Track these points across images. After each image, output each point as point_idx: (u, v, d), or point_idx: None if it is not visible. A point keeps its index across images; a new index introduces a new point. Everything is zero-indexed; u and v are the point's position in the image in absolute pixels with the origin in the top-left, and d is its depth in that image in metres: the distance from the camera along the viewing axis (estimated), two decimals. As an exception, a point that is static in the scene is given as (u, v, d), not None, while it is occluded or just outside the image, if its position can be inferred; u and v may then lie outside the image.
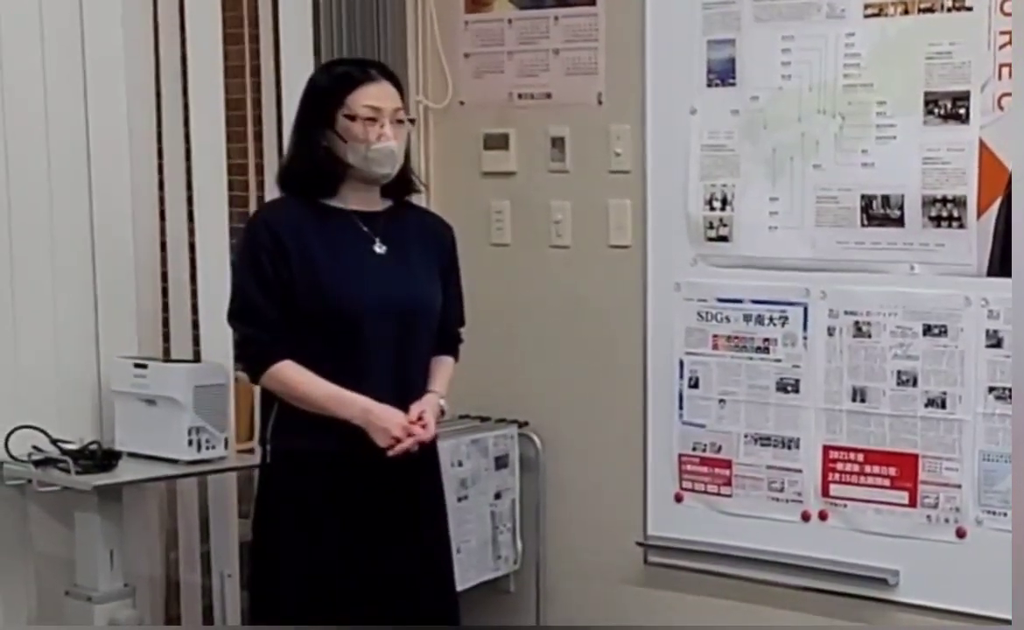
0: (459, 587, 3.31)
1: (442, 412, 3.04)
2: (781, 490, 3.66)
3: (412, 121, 3.06)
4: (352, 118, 2.90)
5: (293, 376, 2.89)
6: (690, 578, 3.80)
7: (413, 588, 3.00)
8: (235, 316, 2.95)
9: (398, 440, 2.87)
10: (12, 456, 3.32)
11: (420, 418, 2.92)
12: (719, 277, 3.70)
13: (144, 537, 3.73)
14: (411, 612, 3.00)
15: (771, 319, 3.64)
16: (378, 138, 2.91)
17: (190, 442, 3.42)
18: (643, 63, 3.76)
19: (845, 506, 3.57)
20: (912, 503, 3.48)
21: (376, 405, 2.88)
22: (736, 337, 3.69)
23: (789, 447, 3.63)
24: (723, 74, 3.65)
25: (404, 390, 2.96)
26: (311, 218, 2.93)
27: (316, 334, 2.91)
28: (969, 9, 3.31)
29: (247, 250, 2.95)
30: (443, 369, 3.08)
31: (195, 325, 3.81)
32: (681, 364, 3.77)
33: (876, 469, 3.53)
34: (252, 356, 2.94)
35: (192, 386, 3.43)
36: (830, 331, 3.56)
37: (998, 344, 3.34)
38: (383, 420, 2.88)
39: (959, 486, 3.42)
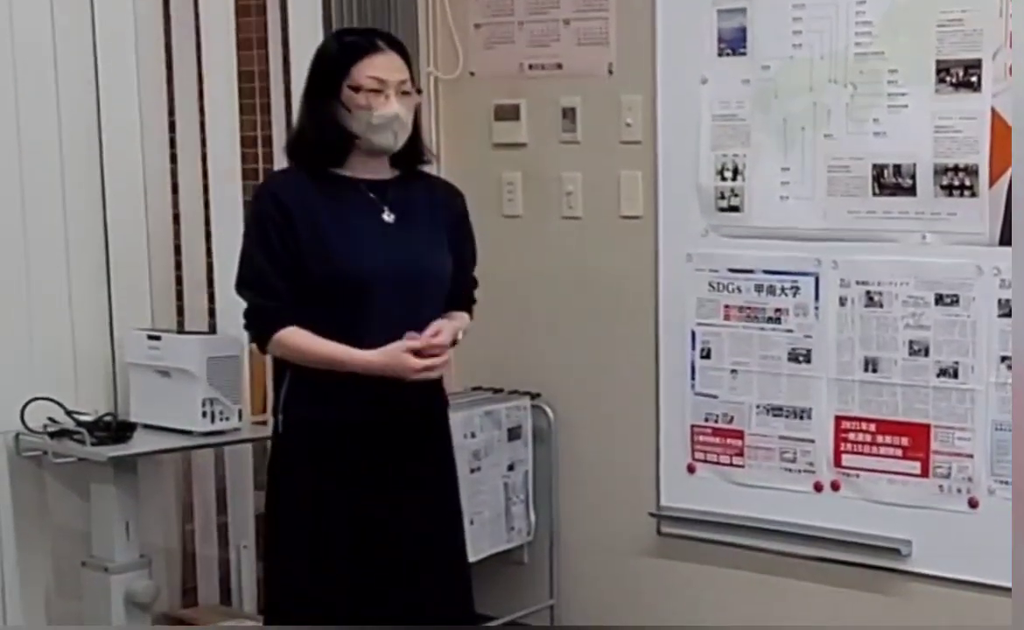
0: (472, 558, 3.32)
1: (454, 342, 3.01)
2: (793, 460, 3.66)
3: (420, 92, 3.05)
4: (356, 89, 2.90)
5: (299, 340, 2.89)
6: (703, 549, 3.81)
7: (425, 558, 3.01)
8: (242, 285, 2.95)
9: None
10: (28, 428, 3.35)
11: (437, 334, 2.90)
12: (730, 247, 3.70)
13: (160, 508, 3.77)
14: (423, 582, 3.00)
15: (783, 289, 3.63)
16: (381, 107, 2.91)
17: (204, 413, 3.44)
18: (654, 33, 3.75)
19: (857, 476, 3.57)
20: (924, 473, 3.48)
21: (379, 359, 2.87)
22: (748, 307, 3.69)
23: (801, 417, 3.63)
24: (734, 43, 3.63)
25: (416, 358, 2.96)
26: (319, 187, 2.93)
27: (326, 303, 2.91)
28: (981, -24, 3.30)
29: (254, 220, 2.95)
30: (459, 316, 3.08)
31: (209, 297, 3.83)
32: (693, 335, 3.77)
33: (888, 439, 3.52)
34: (259, 324, 2.95)
35: (206, 357, 3.45)
36: (842, 301, 3.55)
37: (1010, 313, 3.32)
38: (394, 370, 2.87)
39: (971, 456, 3.41)
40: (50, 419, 3.38)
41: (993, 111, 3.30)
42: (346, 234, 2.91)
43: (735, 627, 3.78)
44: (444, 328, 2.93)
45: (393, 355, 2.88)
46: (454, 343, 3.00)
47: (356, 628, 2.90)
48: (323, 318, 2.90)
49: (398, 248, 2.94)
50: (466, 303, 3.14)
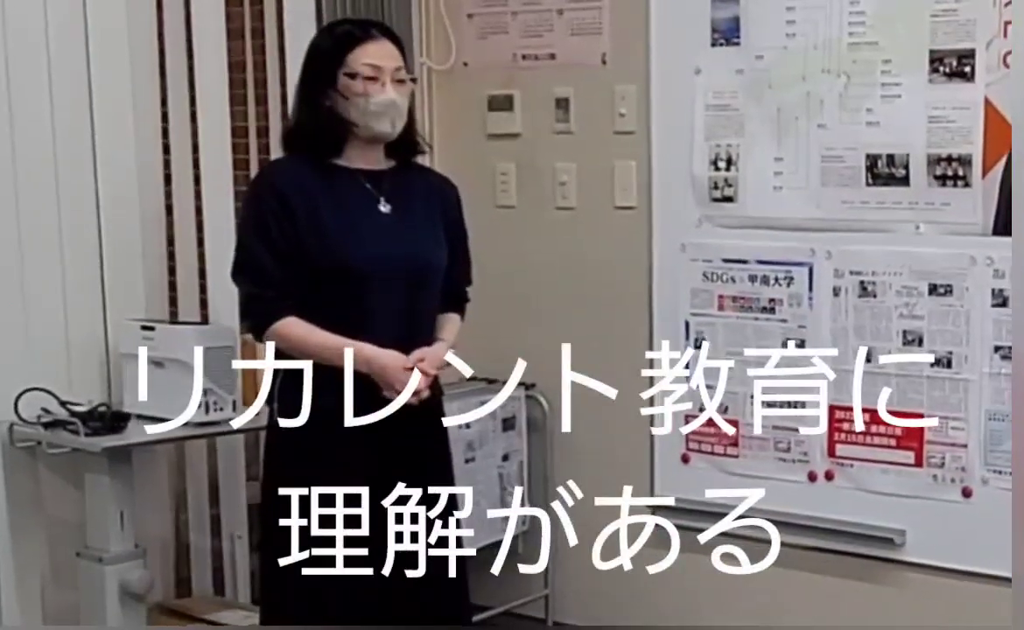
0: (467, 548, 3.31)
1: (446, 364, 3.04)
2: (787, 450, 3.66)
3: (414, 80, 3.04)
4: (353, 76, 2.90)
5: (297, 332, 2.89)
6: (697, 538, 3.80)
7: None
8: (239, 273, 2.94)
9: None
10: (22, 418, 3.35)
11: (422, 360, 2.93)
12: (724, 237, 3.71)
13: (154, 499, 3.77)
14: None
15: (776, 279, 3.64)
16: (378, 94, 2.90)
17: (199, 404, 3.43)
18: (647, 23, 3.76)
19: (851, 466, 3.58)
20: (918, 463, 3.49)
21: (377, 357, 2.88)
22: (742, 297, 3.70)
23: (795, 407, 3.63)
24: (728, 33, 3.64)
25: (412, 349, 2.96)
26: (316, 177, 2.92)
27: (323, 294, 2.90)
28: (975, -34, 3.30)
29: (252, 208, 2.94)
30: (449, 324, 3.09)
31: (202, 288, 3.83)
32: (687, 325, 3.78)
33: (882, 429, 3.52)
34: (256, 313, 2.93)
35: (200, 348, 3.44)
36: (835, 291, 3.56)
37: (1004, 303, 3.33)
38: (385, 374, 2.88)
39: (965, 446, 3.42)
40: (44, 410, 3.37)
41: (986, 101, 3.31)
42: (345, 226, 2.90)
43: (732, 624, 3.78)
44: (427, 357, 2.94)
45: (393, 360, 2.88)
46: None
47: (354, 626, 2.90)
48: (321, 309, 2.89)
49: (396, 240, 2.94)
50: (459, 302, 3.13)
